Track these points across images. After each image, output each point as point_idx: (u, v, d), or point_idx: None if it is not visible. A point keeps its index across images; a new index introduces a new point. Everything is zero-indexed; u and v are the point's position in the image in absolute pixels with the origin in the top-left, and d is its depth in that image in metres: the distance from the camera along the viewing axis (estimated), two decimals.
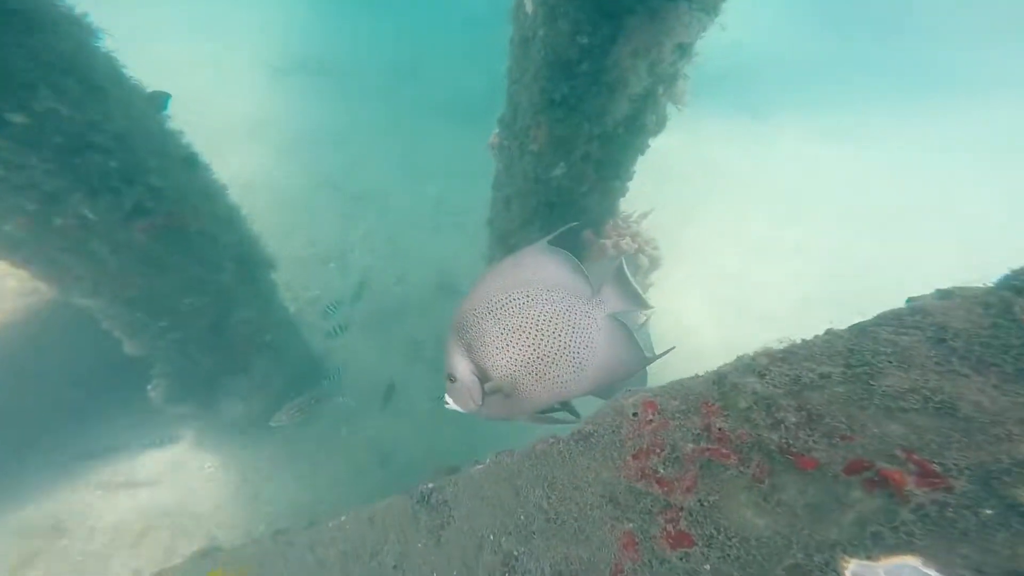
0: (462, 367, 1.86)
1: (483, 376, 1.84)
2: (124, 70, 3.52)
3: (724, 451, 1.26)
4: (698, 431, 1.35)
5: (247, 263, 4.60)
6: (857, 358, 1.07)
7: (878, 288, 7.74)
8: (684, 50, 2.85)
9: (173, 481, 5.25)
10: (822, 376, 1.12)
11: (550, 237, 1.84)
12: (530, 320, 1.78)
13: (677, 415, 1.40)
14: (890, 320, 1.08)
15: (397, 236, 8.83)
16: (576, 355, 1.79)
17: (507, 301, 1.79)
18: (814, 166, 11.08)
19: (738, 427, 1.26)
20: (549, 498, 1.68)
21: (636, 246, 3.61)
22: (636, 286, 1.78)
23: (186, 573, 2.56)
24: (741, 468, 1.26)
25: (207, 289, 4.16)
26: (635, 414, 1.48)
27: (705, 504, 1.34)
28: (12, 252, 3.39)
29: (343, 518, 2.20)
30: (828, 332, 1.18)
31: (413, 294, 7.70)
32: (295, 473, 5.41)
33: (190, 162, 4.03)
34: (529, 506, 1.72)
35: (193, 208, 3.80)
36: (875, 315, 1.13)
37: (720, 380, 1.33)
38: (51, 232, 3.23)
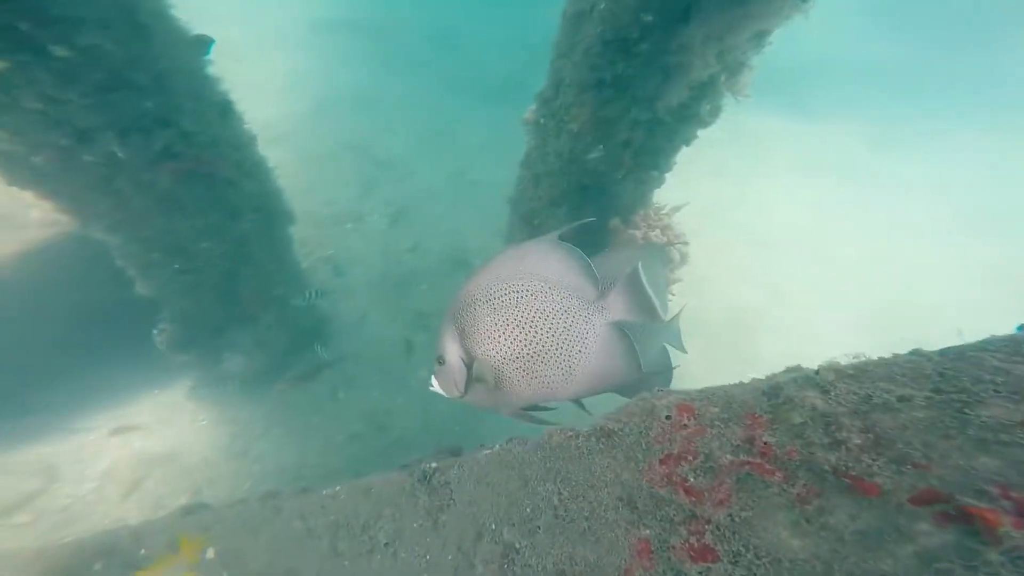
0: (452, 351, 1.83)
1: (472, 363, 1.80)
2: (171, 10, 3.42)
3: (767, 467, 1.15)
4: (739, 442, 1.23)
5: (267, 215, 4.53)
6: (950, 383, 0.95)
7: (907, 304, 7.58)
8: (761, 38, 2.65)
9: (166, 431, 5.23)
10: (901, 399, 0.99)
11: (561, 231, 1.78)
12: (525, 315, 1.73)
13: (716, 423, 1.29)
14: (1001, 346, 0.95)
15: (416, 205, 8.72)
16: (567, 358, 1.74)
17: (506, 292, 1.75)
18: (858, 174, 10.71)
19: (787, 443, 1.14)
20: (560, 493, 1.57)
21: (666, 240, 3.46)
22: (651, 295, 1.69)
23: (168, 527, 2.54)
24: (785, 486, 1.14)
25: (225, 236, 4.10)
26: (668, 417, 1.36)
27: (736, 519, 1.23)
28: (37, 184, 3.34)
29: (338, 488, 2.12)
30: (915, 352, 1.06)
31: (425, 264, 7.61)
32: (287, 434, 5.37)
33: (225, 110, 3.96)
34: (537, 499, 1.61)
35: (222, 155, 3.73)
36: (980, 339, 1.00)
37: (773, 392, 1.21)
38: (79, 168, 3.18)
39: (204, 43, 3.63)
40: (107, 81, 2.94)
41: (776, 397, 1.19)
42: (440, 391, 1.93)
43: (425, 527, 1.82)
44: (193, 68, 3.64)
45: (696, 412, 1.33)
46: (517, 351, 1.75)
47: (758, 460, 1.18)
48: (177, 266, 4.09)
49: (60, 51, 2.71)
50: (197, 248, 3.99)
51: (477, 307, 1.78)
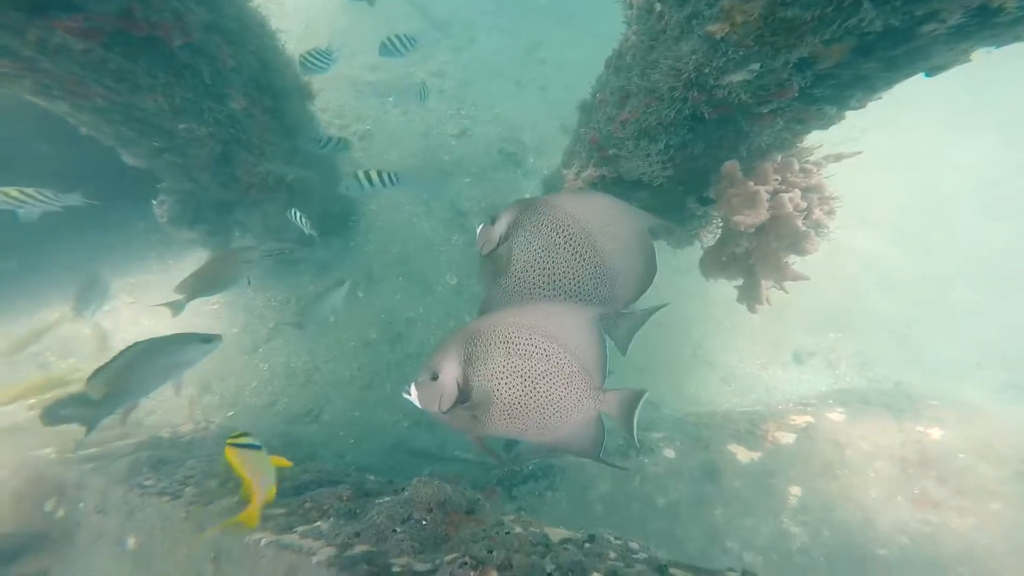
0: (450, 373, 1.85)
1: (464, 390, 1.85)
2: None
3: None
4: None
5: (268, 93, 3.59)
6: None
7: None
8: None
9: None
10: None
11: (603, 313, 1.90)
12: (533, 372, 1.83)
13: None
14: None
15: (471, 81, 7.47)
16: (547, 420, 1.86)
17: (526, 344, 1.84)
18: None
19: None
20: None
21: (805, 206, 2.29)
22: (635, 423, 1.80)
23: (105, 487, 2.32)
24: None
25: (205, 118, 3.25)
26: None
27: None
28: None
29: (263, 542, 1.52)
30: None
31: (471, 155, 6.63)
32: (299, 332, 4.95)
33: None
34: None
35: (174, 14, 2.69)
36: None
37: None
38: None
39: None
40: None
41: None
42: (415, 401, 1.91)
43: None
44: None
45: None
46: (511, 399, 1.84)
47: None
48: (157, 144, 3.33)
49: None
50: (174, 127, 3.19)
51: (494, 346, 1.84)
